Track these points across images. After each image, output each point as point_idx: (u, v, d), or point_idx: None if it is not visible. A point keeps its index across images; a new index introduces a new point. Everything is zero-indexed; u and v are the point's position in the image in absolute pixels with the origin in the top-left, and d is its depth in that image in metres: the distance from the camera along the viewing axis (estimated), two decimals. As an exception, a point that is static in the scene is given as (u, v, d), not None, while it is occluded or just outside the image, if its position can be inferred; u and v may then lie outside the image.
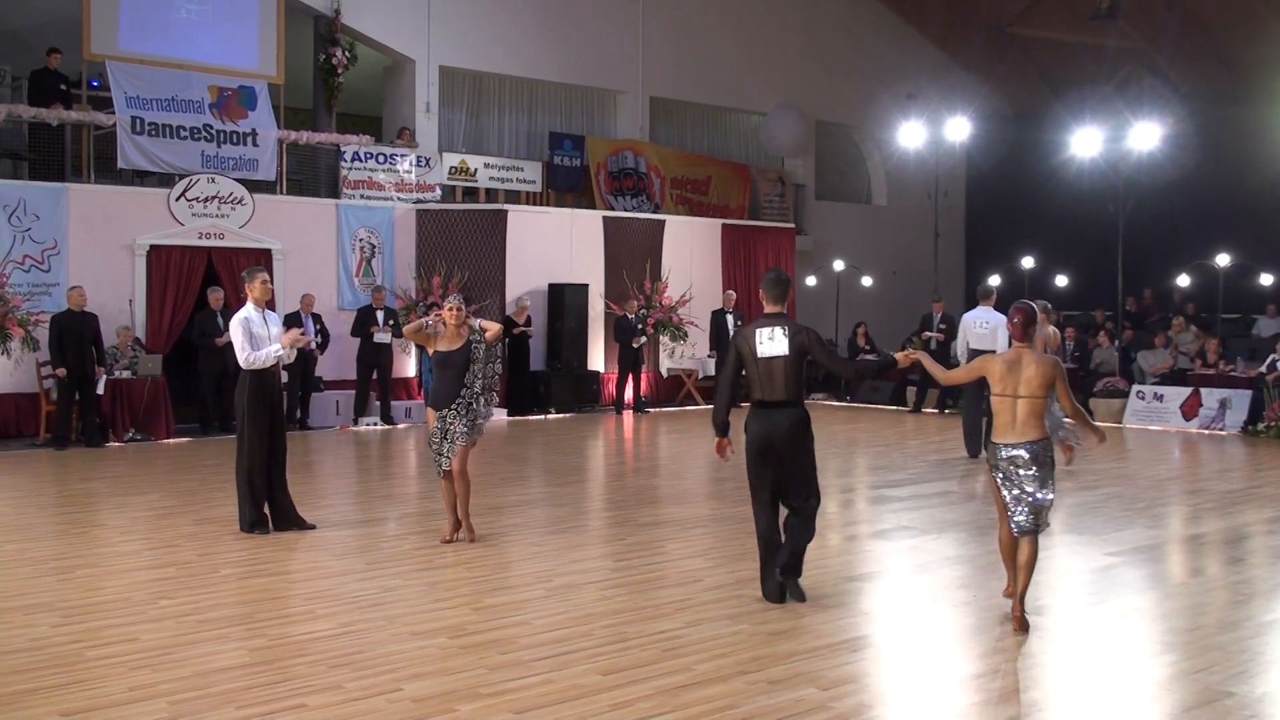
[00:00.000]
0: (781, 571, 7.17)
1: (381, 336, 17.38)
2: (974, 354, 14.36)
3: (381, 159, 19.31)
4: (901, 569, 8.31)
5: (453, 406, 8.71)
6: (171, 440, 15.36)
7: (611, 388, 20.21)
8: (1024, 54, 26.70)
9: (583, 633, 6.53)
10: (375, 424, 17.33)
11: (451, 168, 20.56)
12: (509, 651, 6.17)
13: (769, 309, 7.23)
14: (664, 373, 21.44)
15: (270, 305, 10.06)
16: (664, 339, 20.93)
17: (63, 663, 5.97)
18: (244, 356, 9.13)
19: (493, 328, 8.87)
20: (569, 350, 19.57)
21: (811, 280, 25.21)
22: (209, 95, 17.50)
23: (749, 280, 22.53)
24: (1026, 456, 6.61)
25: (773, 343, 7.05)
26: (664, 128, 24.61)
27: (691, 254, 21.80)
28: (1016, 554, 6.75)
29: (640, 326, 19.85)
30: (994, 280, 24.81)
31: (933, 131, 21.83)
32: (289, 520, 9.38)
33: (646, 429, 17.62)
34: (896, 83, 25.84)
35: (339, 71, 19.59)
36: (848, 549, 8.92)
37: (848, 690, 5.63)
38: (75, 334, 14.72)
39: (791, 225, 24.26)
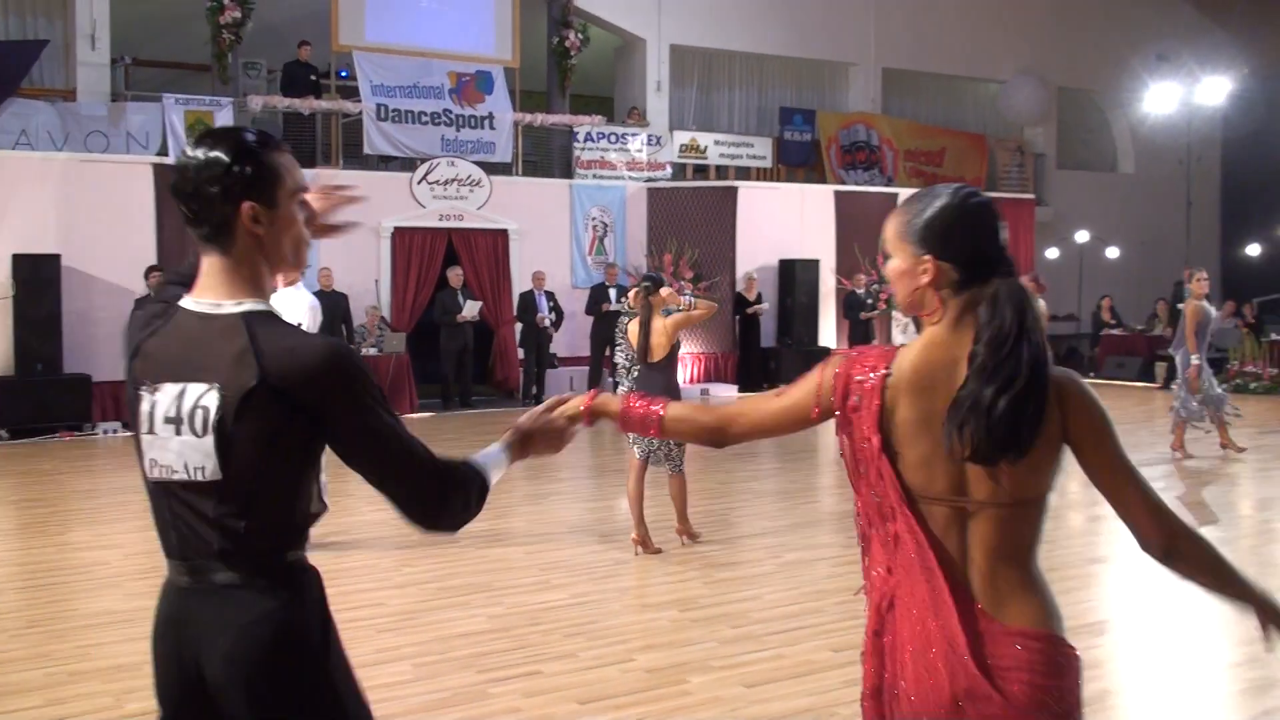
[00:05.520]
0: None
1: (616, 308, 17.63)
2: None
3: (613, 139, 19.56)
4: (1149, 552, 7.95)
5: None
6: (415, 415, 15.97)
7: (843, 364, 19.97)
8: (1288, 9, 25.02)
9: (814, 609, 6.48)
10: (608, 399, 17.59)
11: (682, 145, 20.64)
12: (740, 625, 6.17)
13: None
14: (896, 349, 21.05)
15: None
16: (896, 314, 20.56)
17: (316, 624, 6.26)
18: None
19: (703, 306, 8.17)
20: (800, 326, 19.44)
21: (1053, 253, 24.32)
22: (448, 81, 18.05)
23: (986, 254, 21.90)
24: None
25: None
26: (897, 99, 24.10)
27: (925, 227, 21.25)
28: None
29: (871, 301, 19.57)
30: (1253, 249, 23.61)
31: (1185, 95, 20.70)
32: None
33: (879, 406, 17.34)
34: (1145, 44, 24.53)
35: (572, 54, 19.93)
36: (1091, 529, 8.57)
37: (1089, 675, 5.36)
38: (326, 313, 15.34)
39: (1031, 196, 23.42)
